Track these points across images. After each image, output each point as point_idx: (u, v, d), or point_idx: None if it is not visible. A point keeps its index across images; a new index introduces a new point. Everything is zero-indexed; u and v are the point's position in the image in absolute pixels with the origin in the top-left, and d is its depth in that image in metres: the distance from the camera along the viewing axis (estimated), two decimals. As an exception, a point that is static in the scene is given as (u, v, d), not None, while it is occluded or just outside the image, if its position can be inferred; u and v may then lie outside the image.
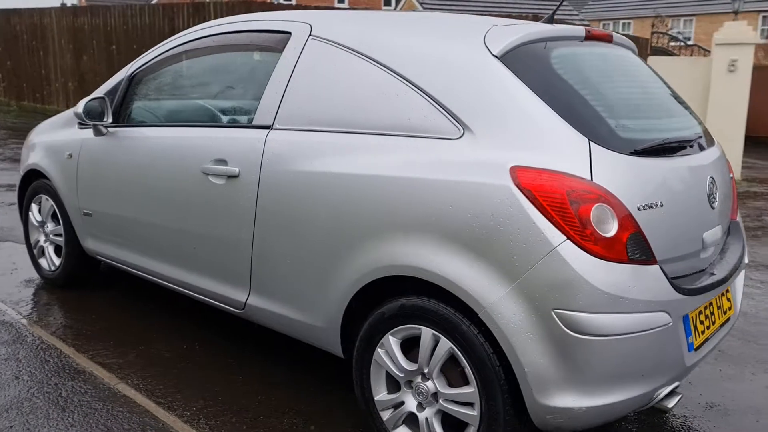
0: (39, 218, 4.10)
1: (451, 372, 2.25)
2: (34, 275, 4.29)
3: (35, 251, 4.19)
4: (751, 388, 3.14)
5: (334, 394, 2.94)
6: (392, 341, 2.37)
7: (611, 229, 2.01)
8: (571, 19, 22.78)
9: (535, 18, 8.75)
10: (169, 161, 3.08)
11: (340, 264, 2.46)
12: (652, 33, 15.53)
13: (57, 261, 4.03)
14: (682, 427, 2.79)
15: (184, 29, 10.88)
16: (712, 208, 2.46)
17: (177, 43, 3.30)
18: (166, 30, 11.03)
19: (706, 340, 2.40)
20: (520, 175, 2.06)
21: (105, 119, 3.45)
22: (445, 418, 2.31)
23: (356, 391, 2.53)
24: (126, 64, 11.91)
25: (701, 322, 2.36)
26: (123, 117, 3.49)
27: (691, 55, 21.10)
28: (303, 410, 2.80)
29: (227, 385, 2.98)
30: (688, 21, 31.16)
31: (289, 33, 2.82)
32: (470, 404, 2.20)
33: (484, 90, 2.24)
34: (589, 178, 2.05)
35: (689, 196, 2.32)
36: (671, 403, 2.28)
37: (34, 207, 4.12)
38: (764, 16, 29.89)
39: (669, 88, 2.88)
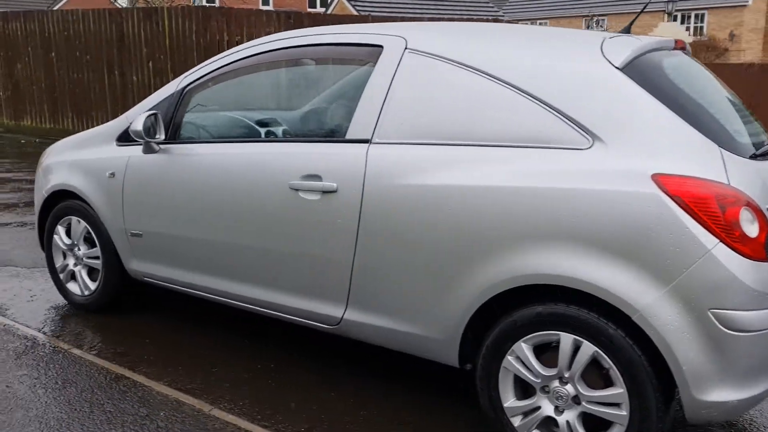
0: (68, 241, 3.88)
1: (591, 374, 2.33)
2: (58, 301, 4.06)
3: (62, 276, 3.97)
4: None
5: (440, 404, 2.95)
6: (525, 348, 2.42)
7: (755, 230, 2.14)
8: (500, 20, 23.40)
9: (496, 21, 8.97)
10: (250, 178, 3.00)
11: (465, 276, 2.48)
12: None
13: (92, 285, 3.83)
14: None
15: (134, 36, 10.52)
16: None
17: (244, 55, 3.20)
18: (114, 36, 10.59)
19: None
20: (665, 182, 2.16)
21: (158, 136, 3.32)
22: (584, 418, 2.38)
23: (481, 399, 2.56)
24: (68, 72, 11.39)
25: None
26: (179, 133, 3.37)
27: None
28: (412, 422, 2.80)
29: (323, 403, 2.95)
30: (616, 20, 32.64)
31: (381, 46, 2.81)
32: (617, 405, 2.28)
33: (611, 101, 2.33)
34: (727, 182, 2.17)
35: None
36: None
37: (60, 229, 3.90)
38: (675, 16, 31.71)
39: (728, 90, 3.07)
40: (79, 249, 3.86)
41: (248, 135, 3.18)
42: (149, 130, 3.25)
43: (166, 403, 2.91)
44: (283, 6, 30.38)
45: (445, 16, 21.11)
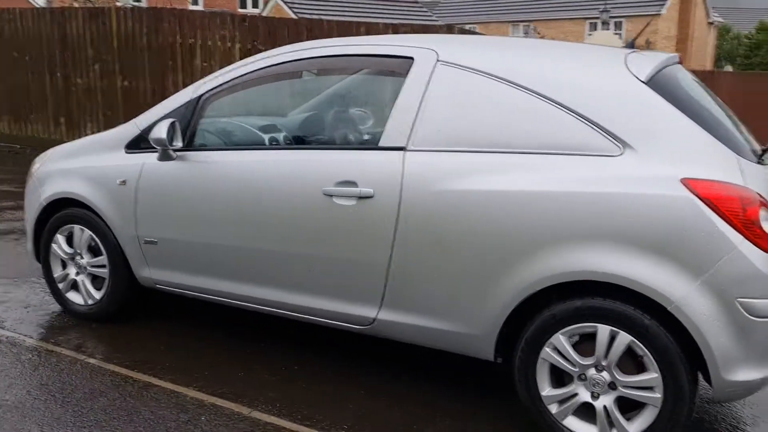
0: (69, 250, 3.82)
1: (625, 361, 2.54)
2: (55, 311, 3.97)
3: (62, 286, 3.89)
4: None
5: (472, 394, 3.11)
6: (563, 340, 2.61)
7: None
8: (432, 25, 23.83)
9: (395, 30, 9.22)
10: (280, 185, 3.07)
11: (505, 275, 2.66)
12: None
13: (97, 294, 3.78)
14: None
15: (78, 36, 10.16)
16: None
17: (268, 64, 3.26)
18: (56, 36, 10.21)
19: None
20: (694, 186, 2.41)
21: (175, 143, 3.33)
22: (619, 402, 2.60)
23: (519, 390, 2.74)
24: (4, 73, 10.85)
25: None
26: (196, 140, 3.39)
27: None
28: (451, 412, 2.95)
29: (358, 400, 3.05)
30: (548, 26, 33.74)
31: (411, 58, 2.95)
32: (650, 388, 2.51)
33: (639, 111, 2.56)
34: (744, 185, 2.44)
35: None
36: None
37: (59, 238, 3.83)
38: (590, 23, 33.19)
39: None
40: (81, 258, 3.79)
41: (275, 143, 3.25)
42: (171, 138, 3.26)
43: (204, 407, 2.94)
44: (213, 6, 29.84)
45: (380, 20, 21.36)
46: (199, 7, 30.26)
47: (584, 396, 2.63)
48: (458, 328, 2.82)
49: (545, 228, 2.58)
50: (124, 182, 3.53)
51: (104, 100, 10.12)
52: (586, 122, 2.60)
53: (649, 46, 29.52)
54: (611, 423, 2.58)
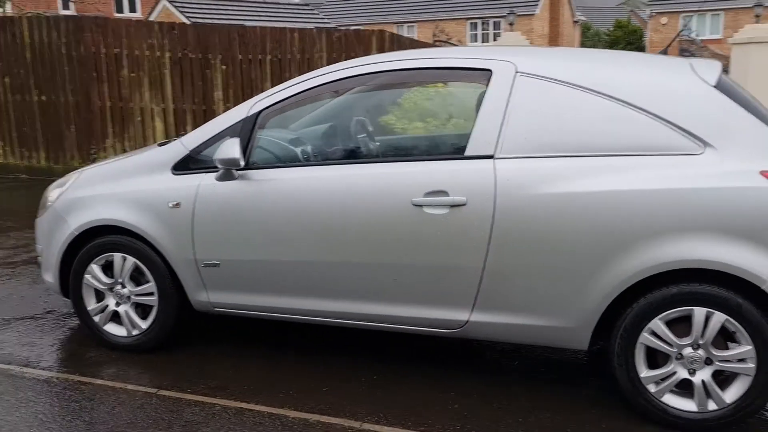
0: (106, 280, 3.61)
1: (717, 338, 2.84)
2: (90, 345, 3.74)
3: (98, 318, 3.68)
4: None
5: (561, 384, 3.30)
6: (660, 324, 2.87)
7: None
8: (330, 27, 23.90)
9: (329, 35, 9.40)
10: (365, 198, 3.10)
11: (604, 271, 2.87)
12: (434, 41, 17.37)
13: (143, 323, 3.61)
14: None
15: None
16: None
17: (334, 78, 3.26)
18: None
19: None
20: (774, 178, 2.73)
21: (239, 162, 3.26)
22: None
23: (619, 374, 2.97)
24: None
25: None
26: (259, 158, 3.34)
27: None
28: (549, 407, 3.12)
29: (454, 401, 3.15)
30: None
31: (489, 70, 3.09)
32: (743, 360, 2.81)
33: (715, 113, 2.87)
34: (808, 174, 2.80)
35: None
36: None
37: (94, 268, 3.61)
38: (471, 23, 34.61)
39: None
40: (123, 287, 3.61)
41: (350, 157, 3.26)
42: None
43: (312, 426, 2.94)
44: (86, 11, 28.19)
45: (270, 22, 21.16)
46: (71, 11, 28.49)
47: (683, 373, 2.90)
48: (555, 322, 3.00)
49: (642, 224, 2.81)
50: (177, 205, 3.40)
51: (17, 116, 9.39)
52: (668, 124, 2.86)
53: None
54: (708, 394, 2.87)
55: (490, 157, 3.01)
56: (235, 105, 9.52)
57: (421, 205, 3.04)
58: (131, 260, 3.54)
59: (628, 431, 2.93)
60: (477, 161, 3.02)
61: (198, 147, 3.45)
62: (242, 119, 3.38)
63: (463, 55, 3.19)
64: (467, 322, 3.12)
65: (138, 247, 3.51)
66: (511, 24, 22.42)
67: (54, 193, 3.79)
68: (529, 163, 2.96)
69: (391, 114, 3.28)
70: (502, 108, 3.03)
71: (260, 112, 3.37)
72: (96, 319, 3.69)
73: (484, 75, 3.10)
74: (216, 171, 3.36)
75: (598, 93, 2.95)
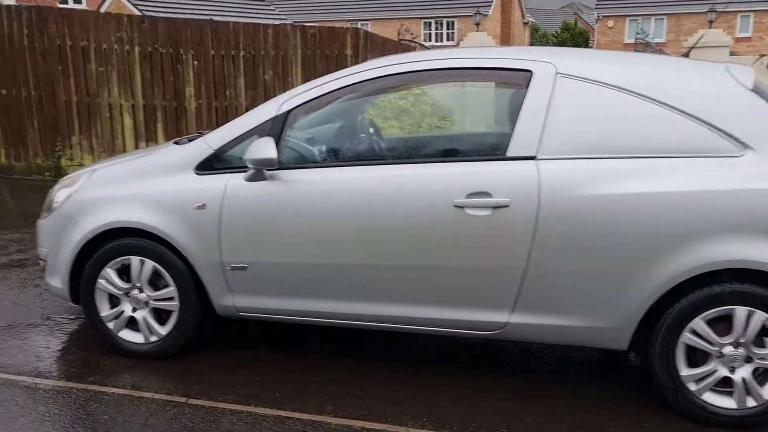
0: (123, 285, 3.45)
1: (758, 336, 2.90)
2: (102, 353, 3.57)
3: (112, 325, 3.51)
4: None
5: (592, 383, 3.32)
6: (701, 323, 2.92)
7: None
8: (282, 23, 23.61)
9: (303, 31, 9.37)
10: (404, 200, 3.05)
11: (648, 271, 2.90)
12: (399, 40, 17.39)
13: (162, 329, 3.46)
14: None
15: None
16: None
17: (369, 77, 3.19)
18: None
19: None
20: (811, 178, 2.81)
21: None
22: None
23: (660, 373, 3.00)
24: None
25: None
26: (289, 157, 3.25)
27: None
28: (581, 406, 3.14)
29: (492, 403, 3.14)
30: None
31: (530, 71, 3.07)
32: (782, 355, 2.89)
33: (753, 116, 2.93)
34: None
35: None
36: None
37: (109, 273, 3.44)
38: (426, 22, 34.79)
39: None
40: (140, 292, 3.45)
41: (385, 157, 3.20)
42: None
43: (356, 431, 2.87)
44: (24, 1, 27.05)
45: (224, 17, 20.76)
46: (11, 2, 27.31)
47: (723, 371, 2.96)
48: (597, 323, 3.02)
49: (686, 224, 2.85)
50: (202, 206, 3.27)
51: (-28, 112, 8.91)
52: (709, 127, 2.91)
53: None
54: (747, 391, 2.93)
55: (533, 158, 3.00)
56: (207, 101, 9.33)
57: (463, 207, 3.01)
58: (150, 264, 3.39)
59: (668, 429, 2.97)
60: (520, 162, 3.00)
61: (223, 146, 3.33)
62: (271, 118, 3.28)
63: (500, 56, 3.16)
64: (507, 323, 3.10)
65: (158, 250, 3.36)
66: (477, 24, 22.64)
67: (62, 194, 3.59)
68: (572, 165, 2.97)
69: (426, 114, 3.23)
70: (544, 109, 3.02)
71: (290, 111, 3.27)
72: (110, 325, 3.52)
73: (524, 76, 3.09)
74: (243, 171, 3.25)
75: (640, 95, 2.98)
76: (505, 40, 35.07)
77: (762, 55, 14.18)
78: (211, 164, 3.34)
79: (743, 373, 2.94)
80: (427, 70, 3.21)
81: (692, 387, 2.98)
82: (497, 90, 3.29)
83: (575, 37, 39.75)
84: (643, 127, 2.95)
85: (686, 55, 19.51)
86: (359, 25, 34.26)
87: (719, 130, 2.90)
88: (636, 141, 2.94)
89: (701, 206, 2.84)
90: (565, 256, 2.97)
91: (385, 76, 3.22)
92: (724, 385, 2.97)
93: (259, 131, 3.27)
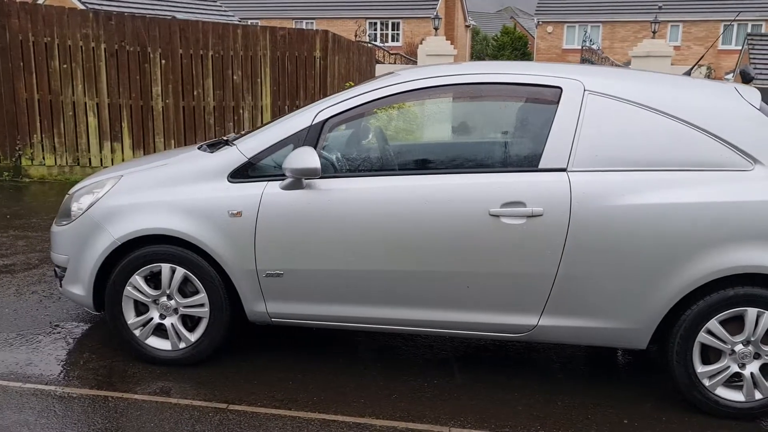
0: (151, 292, 3.44)
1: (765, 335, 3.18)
2: (126, 360, 3.54)
3: (139, 332, 3.49)
4: None
5: (611, 380, 3.52)
6: (716, 323, 3.17)
7: None
8: (228, 20, 23.29)
9: (272, 32, 9.39)
10: (441, 209, 3.17)
11: (670, 276, 3.12)
12: (357, 40, 17.38)
13: (191, 336, 3.46)
14: None
15: None
16: None
17: (402, 90, 3.30)
18: None
19: None
20: (816, 190, 3.10)
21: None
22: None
23: (677, 370, 3.23)
24: None
25: None
26: (326, 167, 3.32)
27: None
28: (611, 401, 3.34)
29: (520, 400, 3.30)
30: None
31: (559, 88, 3.25)
32: (788, 352, 3.18)
33: (761, 133, 3.19)
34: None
35: None
36: None
37: (137, 280, 3.43)
38: (371, 22, 34.92)
39: None
40: (170, 299, 3.45)
41: (421, 167, 3.30)
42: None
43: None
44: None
45: (170, 13, 20.34)
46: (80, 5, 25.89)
47: (734, 368, 3.22)
48: (621, 324, 3.22)
49: (705, 233, 3.09)
50: (238, 214, 3.30)
51: (-74, 108, 8.49)
52: (723, 143, 3.16)
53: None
54: (756, 385, 3.20)
55: (563, 170, 3.18)
56: (174, 101, 9.17)
57: (498, 216, 3.16)
58: (181, 271, 3.39)
59: (685, 422, 3.21)
60: (552, 173, 3.18)
61: (258, 155, 3.37)
62: (306, 127, 3.34)
63: (531, 72, 3.33)
64: (535, 326, 3.27)
65: (190, 257, 3.37)
66: (436, 29, 22.92)
67: (85, 200, 3.54)
68: (600, 176, 3.16)
69: (457, 126, 3.36)
70: (574, 124, 3.20)
71: (326, 120, 3.34)
72: (136, 332, 3.50)
73: (554, 92, 3.26)
74: (278, 179, 3.31)
75: (661, 112, 3.20)
76: (450, 42, 35.57)
77: (700, 65, 15.03)
78: (246, 172, 3.37)
79: (752, 368, 3.21)
80: (461, 84, 3.35)
81: (706, 383, 3.23)
82: (528, 104, 3.45)
83: (515, 41, 40.77)
84: (663, 143, 3.18)
85: (628, 64, 20.48)
86: (304, 24, 34.21)
87: (732, 145, 3.16)
88: (657, 155, 3.16)
89: (717, 216, 3.08)
90: (593, 263, 3.16)
91: (417, 89, 3.34)
92: (732, 380, 3.24)
93: (294, 140, 3.33)
